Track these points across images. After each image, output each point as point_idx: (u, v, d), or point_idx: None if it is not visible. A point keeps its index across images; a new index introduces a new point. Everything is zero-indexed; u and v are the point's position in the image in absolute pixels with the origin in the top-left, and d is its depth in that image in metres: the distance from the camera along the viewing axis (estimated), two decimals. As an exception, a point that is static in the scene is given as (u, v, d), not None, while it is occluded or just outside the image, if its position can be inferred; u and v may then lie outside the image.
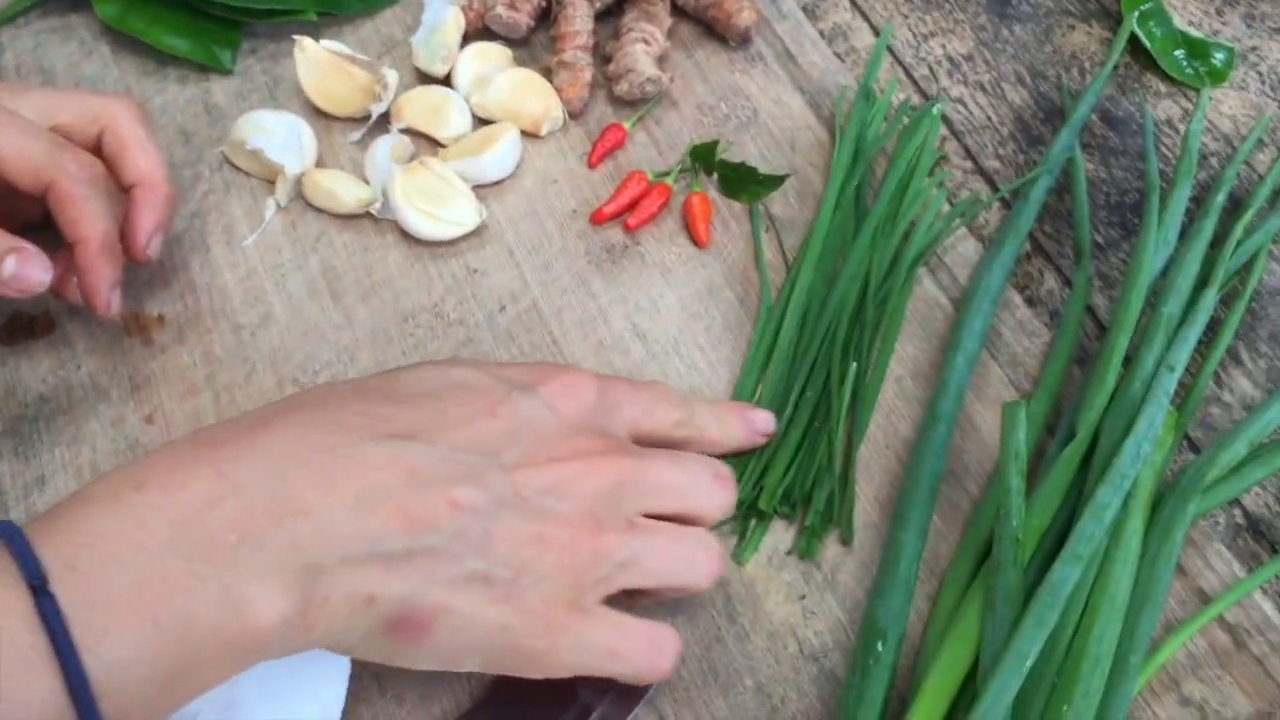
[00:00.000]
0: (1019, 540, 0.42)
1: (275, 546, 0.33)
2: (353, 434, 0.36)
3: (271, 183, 0.56)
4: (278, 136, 0.55)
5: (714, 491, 0.42)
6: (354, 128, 0.58)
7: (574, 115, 0.58)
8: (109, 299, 0.47)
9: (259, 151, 0.54)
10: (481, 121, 0.58)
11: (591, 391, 0.41)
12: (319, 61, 0.57)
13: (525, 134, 0.57)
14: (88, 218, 0.46)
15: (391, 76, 0.57)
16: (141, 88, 0.59)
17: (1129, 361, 0.47)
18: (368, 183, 0.55)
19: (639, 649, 0.38)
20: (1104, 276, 0.53)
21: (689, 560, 0.40)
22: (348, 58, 0.58)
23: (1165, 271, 0.51)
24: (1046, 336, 0.52)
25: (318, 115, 0.58)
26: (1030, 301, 0.53)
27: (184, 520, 0.32)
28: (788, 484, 0.46)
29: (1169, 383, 0.45)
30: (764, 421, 0.46)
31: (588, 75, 0.58)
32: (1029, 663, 0.39)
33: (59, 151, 0.45)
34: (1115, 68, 0.60)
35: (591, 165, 0.57)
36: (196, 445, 0.35)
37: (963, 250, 0.54)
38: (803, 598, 0.45)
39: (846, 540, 0.46)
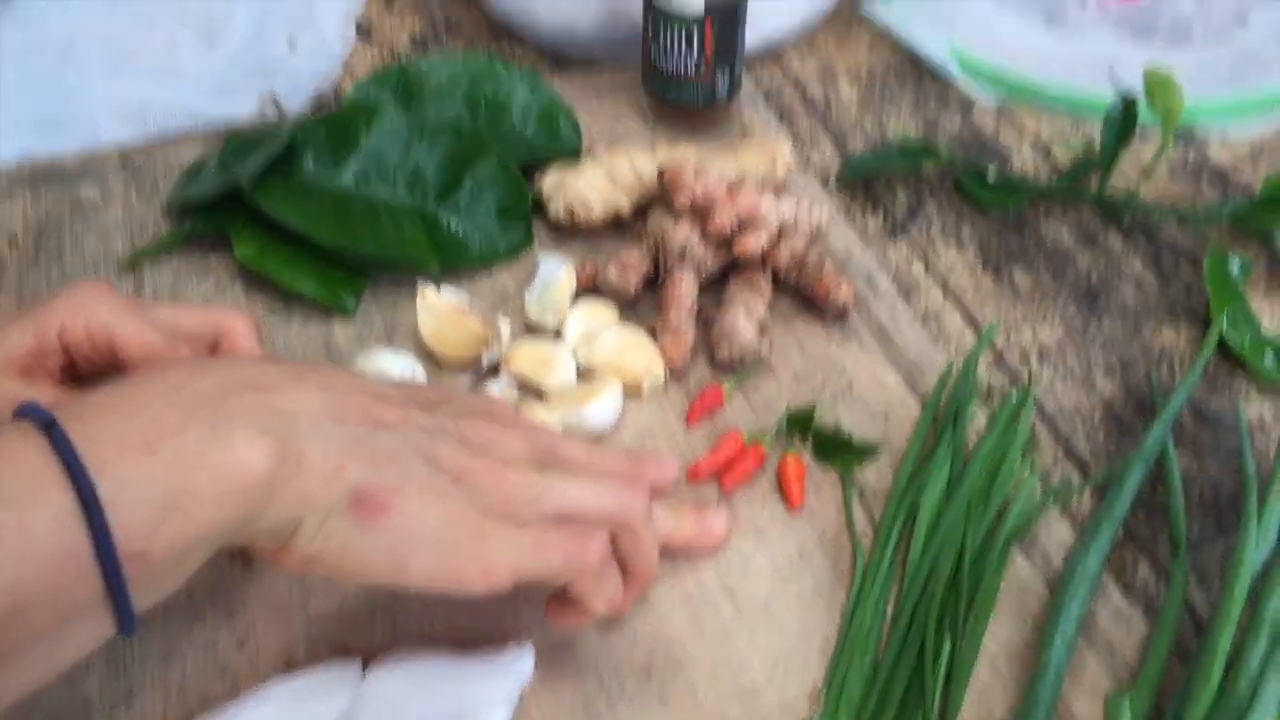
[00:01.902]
0: (1126, 842, 0.40)
1: (255, 403, 0.38)
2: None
3: (382, 419, 0.58)
4: (393, 375, 0.58)
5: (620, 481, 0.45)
6: (464, 371, 0.60)
7: (675, 375, 0.61)
8: None
9: (374, 389, 0.57)
10: (585, 374, 0.60)
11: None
12: (438, 310, 0.61)
13: (627, 389, 0.59)
14: None
15: (505, 327, 0.60)
16: (268, 325, 0.63)
17: (1232, 660, 0.46)
18: (473, 425, 0.57)
19: (561, 540, 0.42)
20: (1199, 571, 0.53)
21: (608, 489, 0.44)
22: (465, 308, 0.61)
23: (1265, 571, 0.50)
24: (1143, 625, 0.51)
25: (430, 358, 0.61)
26: (1125, 589, 0.52)
27: (175, 385, 0.38)
28: (882, 761, 0.45)
29: (1277, 686, 0.44)
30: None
31: (690, 338, 0.61)
32: None
33: (175, 343, 0.49)
34: (1205, 367, 0.61)
35: (689, 424, 0.59)
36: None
37: (1056, 532, 0.54)
38: None
39: (938, 827, 0.44)
